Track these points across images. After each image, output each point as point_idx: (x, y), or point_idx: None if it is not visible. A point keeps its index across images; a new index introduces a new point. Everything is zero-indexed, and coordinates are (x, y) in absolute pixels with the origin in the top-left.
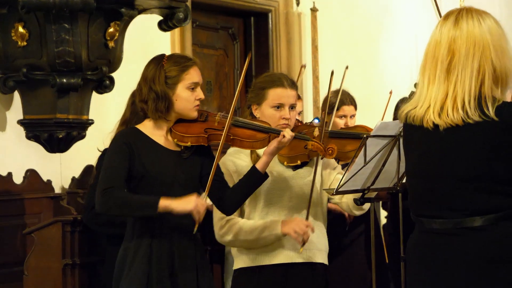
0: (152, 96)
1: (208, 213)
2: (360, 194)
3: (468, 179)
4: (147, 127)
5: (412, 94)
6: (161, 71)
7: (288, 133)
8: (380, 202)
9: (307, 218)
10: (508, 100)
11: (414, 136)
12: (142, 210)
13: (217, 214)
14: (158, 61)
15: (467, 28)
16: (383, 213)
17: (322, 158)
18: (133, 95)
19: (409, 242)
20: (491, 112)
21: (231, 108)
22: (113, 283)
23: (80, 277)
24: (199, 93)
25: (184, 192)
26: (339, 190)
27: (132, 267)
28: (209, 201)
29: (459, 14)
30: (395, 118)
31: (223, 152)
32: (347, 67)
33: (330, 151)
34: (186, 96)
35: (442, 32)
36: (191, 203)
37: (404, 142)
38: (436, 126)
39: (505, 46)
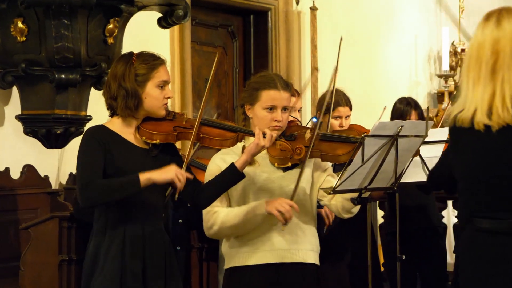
0: (122, 93)
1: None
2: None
3: None
4: (115, 125)
5: (454, 96)
6: (131, 68)
7: (260, 132)
8: (377, 202)
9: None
10: None
11: (464, 139)
12: (126, 189)
13: (204, 211)
14: (127, 59)
15: (510, 28)
16: (379, 213)
17: (290, 158)
18: None
19: (462, 241)
20: None
21: (201, 106)
22: (83, 278)
23: (76, 273)
24: (168, 92)
25: (153, 190)
26: (336, 189)
27: (105, 266)
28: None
29: (500, 15)
30: (393, 117)
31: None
32: (341, 38)
33: (298, 151)
34: (156, 94)
35: (484, 34)
36: (171, 172)
37: (453, 145)
38: (487, 127)
39: None
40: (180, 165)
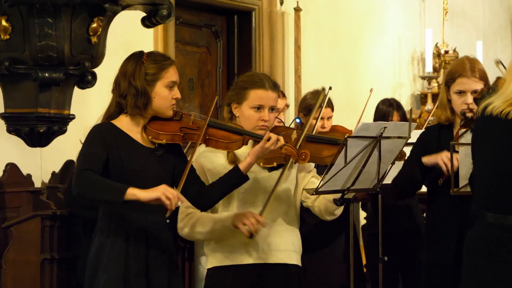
0: (132, 91)
1: None
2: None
3: None
4: (123, 123)
5: (486, 93)
6: (141, 67)
7: (276, 137)
8: (360, 203)
9: (261, 214)
10: None
11: (496, 128)
12: (109, 194)
13: (180, 210)
14: (138, 58)
15: None
16: (362, 214)
17: (295, 163)
18: None
19: (471, 235)
20: None
21: (211, 108)
22: (86, 280)
23: (58, 272)
24: (176, 92)
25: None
26: (319, 190)
27: (108, 268)
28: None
29: None
30: (375, 118)
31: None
32: (330, 88)
33: (303, 156)
34: (165, 94)
35: None
36: (157, 190)
37: (480, 134)
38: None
39: None
40: (183, 166)
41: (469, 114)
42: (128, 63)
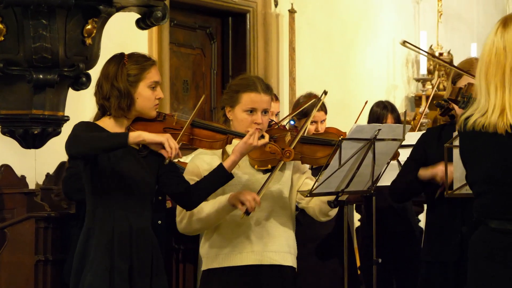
0: (115, 93)
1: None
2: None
3: None
4: (107, 124)
5: (462, 103)
6: (123, 69)
7: (255, 131)
8: (354, 205)
9: (258, 194)
10: None
11: (483, 143)
12: (113, 140)
13: (177, 209)
14: (119, 59)
15: None
16: (356, 216)
17: (279, 161)
18: None
19: (474, 240)
20: None
21: (196, 109)
22: (72, 274)
23: (52, 274)
24: (159, 92)
25: (142, 191)
26: (313, 192)
27: (94, 263)
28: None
29: None
30: (370, 120)
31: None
32: (325, 93)
33: (287, 154)
34: (147, 95)
35: (505, 39)
36: (162, 136)
37: (468, 150)
38: (509, 133)
39: None
40: (167, 166)
41: (444, 103)
42: (109, 65)
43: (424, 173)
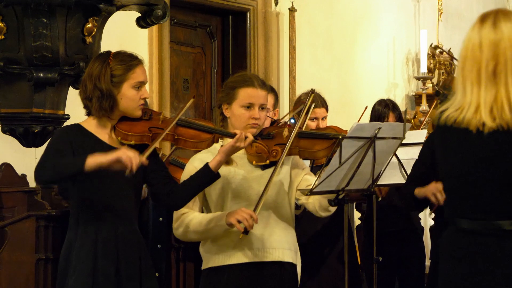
0: (96, 94)
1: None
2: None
3: (509, 183)
4: (91, 125)
5: (442, 96)
6: (106, 69)
7: (242, 134)
8: (354, 203)
9: (254, 211)
10: None
11: (453, 138)
12: (72, 167)
13: (174, 212)
14: (104, 59)
15: (508, 31)
16: (356, 215)
17: (266, 160)
18: None
19: (442, 241)
20: None
21: (183, 108)
22: (58, 277)
23: (53, 272)
24: (144, 92)
25: (129, 190)
26: (314, 190)
27: (77, 267)
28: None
29: (496, 17)
30: (371, 119)
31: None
32: (313, 91)
33: (274, 153)
34: (131, 95)
35: (481, 36)
36: (117, 152)
37: (440, 144)
38: (479, 129)
39: None
40: (154, 165)
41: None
42: (94, 65)
43: (418, 193)
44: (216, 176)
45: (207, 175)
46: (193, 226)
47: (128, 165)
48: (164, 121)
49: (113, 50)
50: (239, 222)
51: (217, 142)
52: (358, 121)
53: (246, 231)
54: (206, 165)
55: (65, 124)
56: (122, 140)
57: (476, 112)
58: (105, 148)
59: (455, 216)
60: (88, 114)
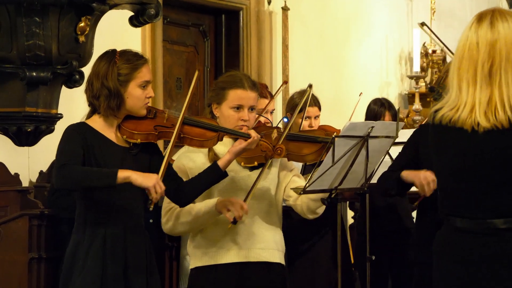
0: (104, 92)
1: None
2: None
3: (504, 182)
4: (97, 123)
5: (436, 94)
6: (113, 68)
7: (255, 135)
8: (347, 202)
9: (245, 201)
10: None
11: (448, 137)
12: (101, 180)
13: (163, 205)
14: (110, 58)
15: (504, 31)
16: (349, 213)
17: (271, 158)
18: None
19: (437, 240)
20: None
21: (184, 106)
22: (62, 276)
23: (46, 271)
24: (150, 91)
25: (133, 189)
26: (307, 189)
27: (85, 265)
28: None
29: (493, 17)
30: (367, 118)
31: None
32: (310, 86)
33: (278, 151)
34: (138, 94)
35: (479, 35)
36: (151, 180)
37: (435, 143)
38: (474, 128)
39: None
40: (159, 164)
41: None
42: (100, 63)
43: (407, 175)
44: (224, 174)
45: (216, 173)
46: (182, 217)
47: (153, 199)
48: (169, 119)
49: (106, 49)
50: (228, 210)
51: (221, 140)
52: (354, 109)
53: (235, 221)
54: (215, 163)
55: (65, 124)
56: (127, 139)
57: (471, 111)
58: (112, 146)
59: (449, 214)
60: (92, 113)
